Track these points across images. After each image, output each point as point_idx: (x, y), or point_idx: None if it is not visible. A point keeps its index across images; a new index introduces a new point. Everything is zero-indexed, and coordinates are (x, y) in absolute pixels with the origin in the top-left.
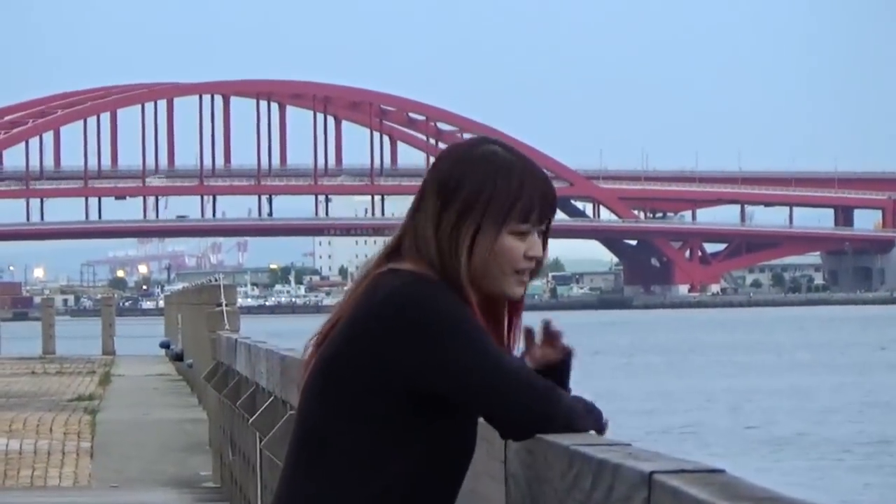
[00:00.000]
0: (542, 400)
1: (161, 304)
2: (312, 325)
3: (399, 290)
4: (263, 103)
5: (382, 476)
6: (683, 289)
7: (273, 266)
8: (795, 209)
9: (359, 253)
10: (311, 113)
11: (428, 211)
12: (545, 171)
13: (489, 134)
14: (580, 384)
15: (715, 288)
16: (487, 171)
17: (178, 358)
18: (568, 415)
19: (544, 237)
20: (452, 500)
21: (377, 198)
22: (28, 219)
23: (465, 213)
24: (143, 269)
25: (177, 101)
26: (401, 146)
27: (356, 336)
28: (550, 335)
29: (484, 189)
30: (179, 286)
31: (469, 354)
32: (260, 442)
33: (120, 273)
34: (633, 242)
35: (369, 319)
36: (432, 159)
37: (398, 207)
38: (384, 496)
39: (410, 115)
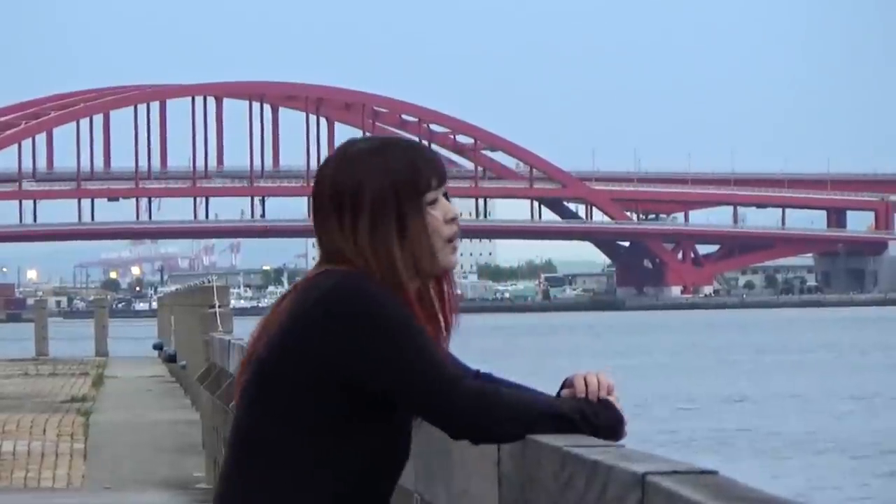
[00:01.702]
0: (479, 400)
1: (154, 305)
2: None
3: (332, 287)
4: (256, 105)
5: (315, 480)
6: (676, 290)
7: (266, 267)
8: (788, 211)
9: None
10: (304, 114)
11: (342, 225)
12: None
13: (484, 136)
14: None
15: (708, 289)
16: (375, 164)
17: (171, 359)
18: (510, 417)
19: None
20: None
21: None
22: (21, 220)
23: (380, 212)
24: (135, 270)
25: (169, 102)
26: None
27: (290, 337)
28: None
29: (385, 182)
30: (172, 288)
31: (406, 349)
32: None
33: (113, 275)
34: (626, 244)
35: (303, 319)
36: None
37: None
38: (317, 499)
39: (403, 116)
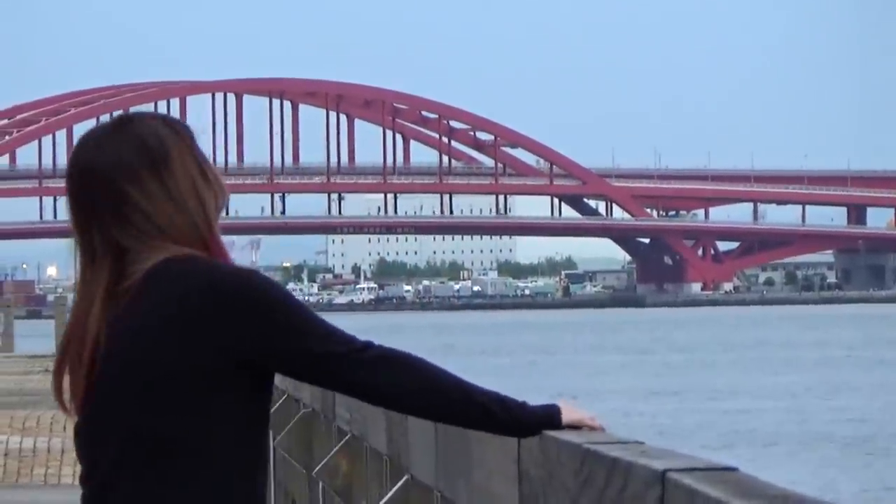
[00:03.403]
0: (388, 363)
1: None
2: None
3: (205, 270)
4: (276, 101)
5: (223, 468)
6: (696, 287)
7: (286, 264)
8: (808, 207)
9: (371, 251)
10: (324, 111)
11: (145, 194)
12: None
13: (504, 133)
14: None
15: (728, 286)
16: (159, 131)
17: None
18: (419, 386)
19: None
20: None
21: (389, 196)
22: (41, 217)
23: (182, 173)
24: None
25: (189, 99)
26: (413, 144)
27: (176, 328)
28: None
29: (174, 144)
30: None
31: (302, 320)
32: (273, 440)
33: None
34: (646, 241)
35: (178, 307)
36: (445, 158)
37: (410, 205)
38: (226, 486)
39: (423, 112)
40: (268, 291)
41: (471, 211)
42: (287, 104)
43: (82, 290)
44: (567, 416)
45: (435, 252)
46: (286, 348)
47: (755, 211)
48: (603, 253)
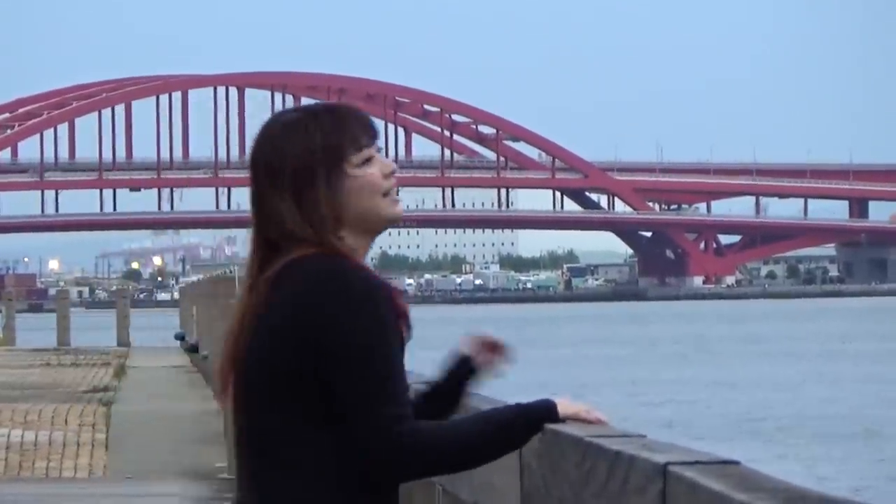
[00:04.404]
0: (410, 453)
1: (176, 295)
2: None
3: (312, 270)
4: (278, 95)
5: (325, 474)
6: (698, 280)
7: None
8: (810, 201)
9: (373, 245)
10: None
11: (274, 201)
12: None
13: (506, 126)
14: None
15: (730, 280)
16: (297, 133)
17: (193, 349)
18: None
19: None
20: None
21: None
22: (43, 211)
23: (305, 179)
24: (157, 260)
25: (191, 92)
26: (415, 138)
27: (275, 328)
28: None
29: (307, 148)
30: (194, 278)
31: (358, 360)
32: None
33: (135, 265)
34: (648, 234)
35: (286, 308)
36: (447, 151)
37: (412, 199)
38: (331, 496)
39: (425, 106)
40: (342, 311)
41: (473, 204)
42: (289, 98)
43: None
44: (563, 409)
45: (437, 245)
46: (326, 378)
47: (757, 204)
48: (605, 246)
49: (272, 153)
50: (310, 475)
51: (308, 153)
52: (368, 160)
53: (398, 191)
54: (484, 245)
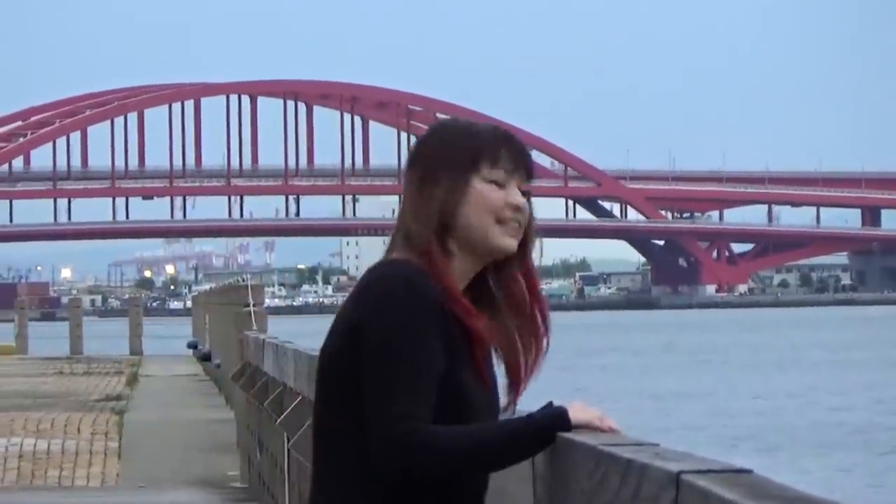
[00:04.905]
0: (406, 452)
1: (188, 304)
2: None
3: (371, 275)
4: (291, 103)
5: (363, 469)
6: (711, 289)
7: (300, 266)
8: (822, 209)
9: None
10: (339, 113)
11: (405, 194)
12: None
13: (516, 134)
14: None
15: (742, 288)
16: (441, 135)
17: (205, 358)
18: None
19: (529, 198)
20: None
21: None
22: (55, 219)
23: (427, 177)
24: (170, 269)
25: (204, 101)
26: None
27: (341, 327)
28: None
29: (440, 148)
30: (207, 286)
31: (388, 358)
32: (288, 442)
33: (147, 273)
34: (661, 242)
35: (349, 309)
36: None
37: None
38: (371, 491)
39: (437, 114)
40: (373, 314)
41: None
42: (302, 106)
43: None
44: (575, 416)
45: None
46: (360, 379)
47: (770, 213)
48: (617, 255)
49: (416, 145)
50: (357, 480)
51: (443, 147)
52: (501, 184)
53: (520, 231)
54: None
